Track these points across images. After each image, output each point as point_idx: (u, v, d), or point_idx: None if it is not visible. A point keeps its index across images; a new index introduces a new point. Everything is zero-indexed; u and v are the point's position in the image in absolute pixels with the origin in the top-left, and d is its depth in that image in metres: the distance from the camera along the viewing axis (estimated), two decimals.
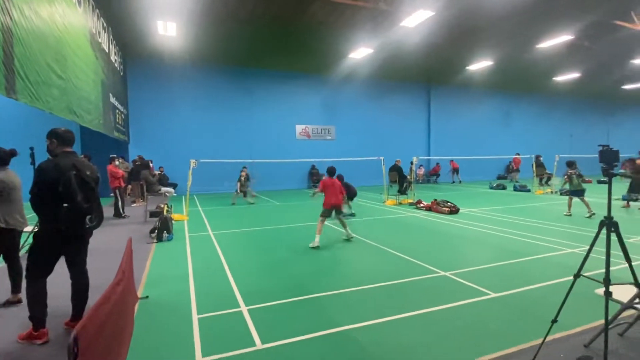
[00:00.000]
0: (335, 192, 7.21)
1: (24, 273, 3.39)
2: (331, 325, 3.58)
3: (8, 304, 4.09)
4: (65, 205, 3.14)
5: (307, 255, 6.37)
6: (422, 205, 11.80)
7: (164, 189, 10.87)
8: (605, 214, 2.67)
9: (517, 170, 22.55)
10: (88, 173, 3.35)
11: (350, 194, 9.84)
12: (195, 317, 3.81)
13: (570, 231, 7.91)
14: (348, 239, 7.29)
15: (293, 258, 6.16)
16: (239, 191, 13.37)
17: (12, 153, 4.06)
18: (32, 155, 5.67)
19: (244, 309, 4.01)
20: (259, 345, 3.22)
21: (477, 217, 9.84)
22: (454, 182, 22.43)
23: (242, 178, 13.49)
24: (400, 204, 12.81)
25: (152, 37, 13.24)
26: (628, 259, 2.60)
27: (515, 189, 17.02)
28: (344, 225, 7.37)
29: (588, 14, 12.08)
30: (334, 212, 7.29)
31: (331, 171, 7.42)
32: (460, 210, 10.70)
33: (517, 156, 22.00)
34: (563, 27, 13.18)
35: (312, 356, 3.07)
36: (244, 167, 14.41)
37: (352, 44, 14.61)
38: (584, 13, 12.04)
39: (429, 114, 23.07)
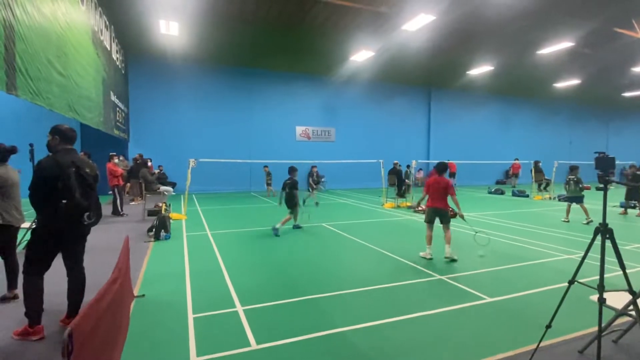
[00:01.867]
0: (438, 193, 6.04)
1: (21, 269, 3.39)
2: (327, 327, 3.59)
3: (4, 299, 4.09)
4: (64, 201, 3.15)
5: (304, 256, 6.38)
6: (420, 208, 11.79)
7: (162, 187, 10.86)
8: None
9: (516, 176, 22.57)
10: (87, 170, 3.37)
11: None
12: (190, 316, 3.82)
13: (568, 237, 7.93)
14: (452, 259, 5.91)
15: (290, 259, 6.16)
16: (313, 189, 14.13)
17: (12, 150, 4.07)
18: (31, 152, 5.69)
19: (239, 309, 4.01)
20: (254, 345, 3.23)
21: (474, 222, 9.84)
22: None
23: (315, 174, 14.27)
24: (398, 207, 12.83)
25: (154, 36, 13.27)
26: (622, 266, 2.62)
27: (514, 194, 17.05)
28: (446, 238, 6.01)
29: (588, 21, 12.14)
30: (438, 218, 6.13)
31: (440, 168, 6.16)
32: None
33: (516, 162, 22.08)
34: (563, 33, 13.24)
35: (307, 357, 3.07)
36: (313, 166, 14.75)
37: (354, 47, 14.66)
38: (585, 20, 12.10)
39: (429, 118, 23.12)
